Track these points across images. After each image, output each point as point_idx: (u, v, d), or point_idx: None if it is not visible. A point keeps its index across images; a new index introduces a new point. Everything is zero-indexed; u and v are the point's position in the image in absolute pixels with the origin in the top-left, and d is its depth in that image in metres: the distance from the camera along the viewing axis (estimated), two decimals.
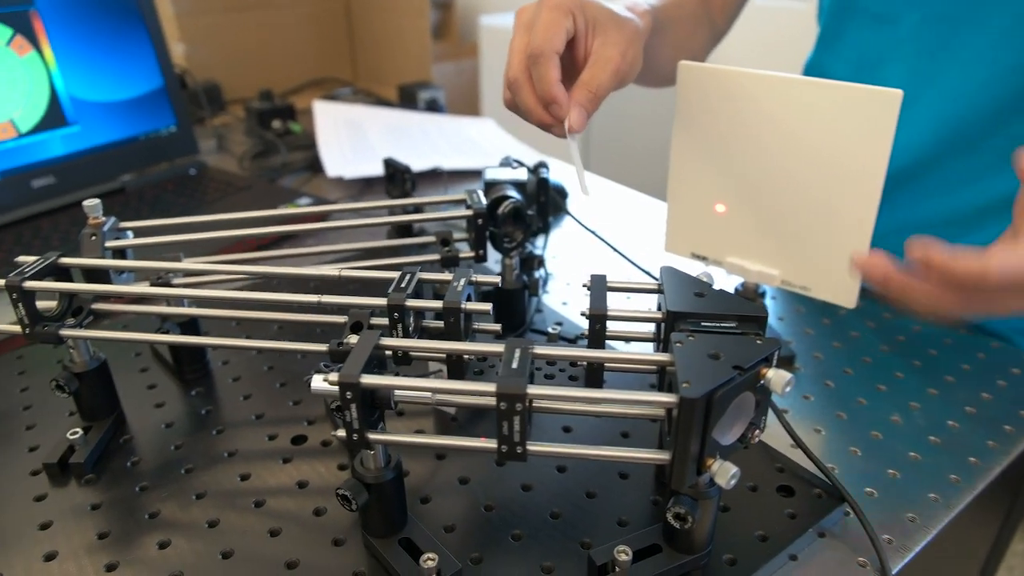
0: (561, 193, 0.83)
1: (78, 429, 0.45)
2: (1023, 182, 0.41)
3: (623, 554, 0.35)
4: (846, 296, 0.50)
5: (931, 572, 0.49)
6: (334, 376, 0.32)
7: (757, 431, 0.33)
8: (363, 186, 0.92)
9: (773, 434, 0.47)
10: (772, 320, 0.61)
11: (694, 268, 0.43)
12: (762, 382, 0.32)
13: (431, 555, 0.35)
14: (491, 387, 0.31)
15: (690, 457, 0.31)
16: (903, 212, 0.65)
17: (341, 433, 0.33)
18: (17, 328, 0.43)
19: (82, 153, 0.87)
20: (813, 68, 0.72)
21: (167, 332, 0.50)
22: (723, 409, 0.30)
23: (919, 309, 0.39)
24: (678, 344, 0.32)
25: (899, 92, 0.44)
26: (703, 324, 0.35)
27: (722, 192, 0.53)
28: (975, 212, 0.62)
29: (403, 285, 0.39)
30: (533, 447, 0.32)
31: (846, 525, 0.41)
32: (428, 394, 0.33)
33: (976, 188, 0.61)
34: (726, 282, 0.60)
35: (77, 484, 0.44)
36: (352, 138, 1.02)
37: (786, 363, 0.55)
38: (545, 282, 0.64)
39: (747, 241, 0.53)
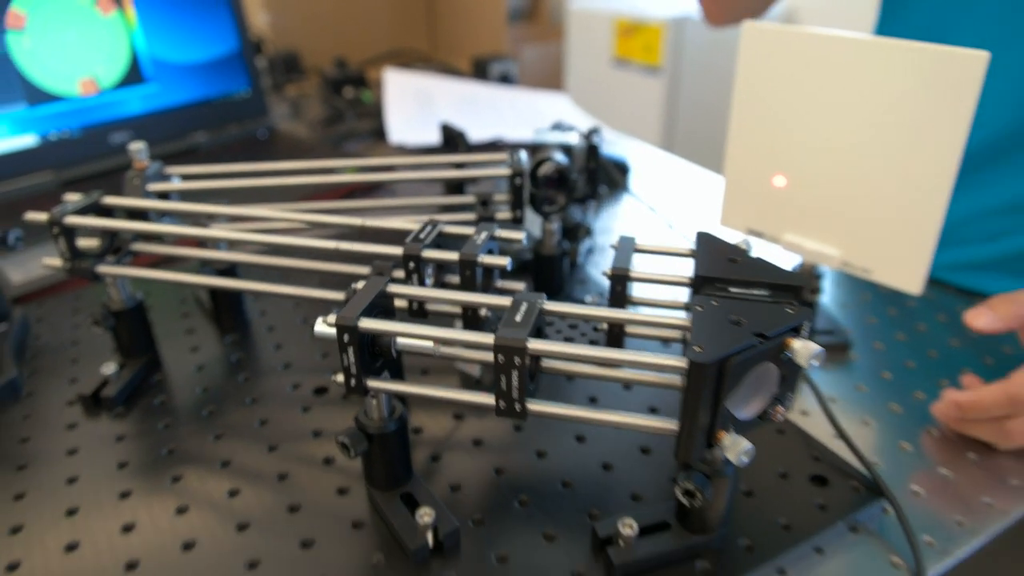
0: (622, 168, 0.80)
1: (113, 364, 0.47)
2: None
3: (628, 528, 0.33)
4: (912, 281, 0.46)
5: None
6: (332, 318, 0.31)
7: (781, 408, 0.31)
8: (423, 154, 0.91)
9: (815, 423, 0.44)
10: (833, 307, 0.57)
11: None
12: (787, 353, 0.29)
13: (427, 510, 0.34)
14: (490, 338, 0.29)
15: (699, 428, 0.28)
16: (985, 194, 0.59)
17: (339, 377, 0.32)
18: (59, 262, 0.44)
19: (158, 111, 0.90)
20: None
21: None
22: (739, 378, 0.28)
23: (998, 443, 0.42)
24: (698, 308, 0.30)
25: (985, 54, 0.39)
26: (732, 290, 0.33)
27: (782, 164, 0.50)
28: None
29: (421, 236, 0.38)
30: (533, 406, 0.30)
31: (884, 523, 0.38)
32: (429, 343, 0.31)
33: None
34: (784, 260, 0.56)
35: (107, 417, 0.45)
36: (420, 106, 1.01)
37: (840, 350, 0.51)
38: (591, 252, 0.61)
39: (807, 217, 0.50)
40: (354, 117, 1.02)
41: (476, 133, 0.91)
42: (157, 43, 0.88)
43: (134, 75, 0.87)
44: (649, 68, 2.29)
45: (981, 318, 0.43)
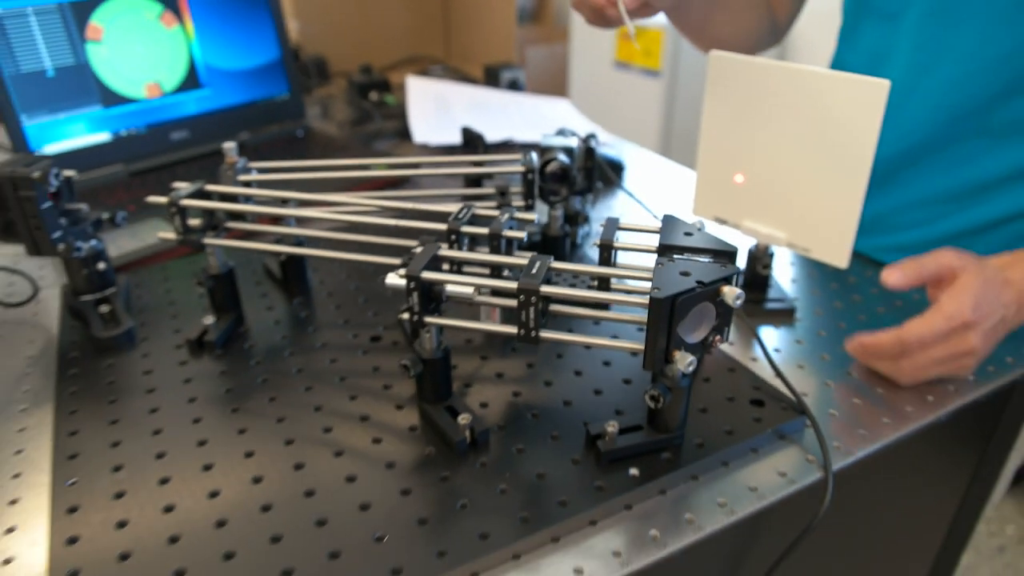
0: (617, 167, 0.93)
1: (211, 317, 0.59)
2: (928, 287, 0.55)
3: (612, 427, 0.45)
4: (839, 257, 0.58)
5: (889, 495, 0.57)
6: (402, 271, 0.44)
7: (718, 337, 0.43)
8: (444, 152, 1.04)
9: (760, 367, 0.57)
10: (785, 281, 0.70)
11: (713, 230, 0.53)
12: (720, 297, 0.41)
13: (466, 416, 0.46)
14: (514, 284, 0.42)
15: (659, 346, 0.41)
16: (910, 190, 0.72)
17: (405, 316, 0.45)
18: (174, 235, 0.57)
19: (210, 112, 1.03)
20: (836, 61, 0.80)
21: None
22: (685, 312, 0.40)
23: (896, 380, 0.55)
24: (659, 265, 0.43)
25: (886, 82, 0.52)
26: (687, 254, 0.45)
27: (741, 165, 0.62)
28: (972, 188, 0.69)
29: (460, 215, 0.51)
30: (544, 333, 0.43)
31: (806, 435, 0.50)
32: (470, 290, 0.44)
33: (972, 167, 0.68)
34: (742, 243, 0.69)
35: (209, 357, 0.57)
36: (438, 110, 1.14)
37: (787, 315, 0.64)
38: (588, 235, 0.74)
39: (759, 207, 0.62)
40: (381, 118, 1.15)
41: (488, 134, 1.03)
42: (211, 52, 1.01)
43: (191, 80, 1.00)
44: (649, 71, 2.41)
45: (892, 276, 0.54)
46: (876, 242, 0.75)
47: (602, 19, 0.61)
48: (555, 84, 3.06)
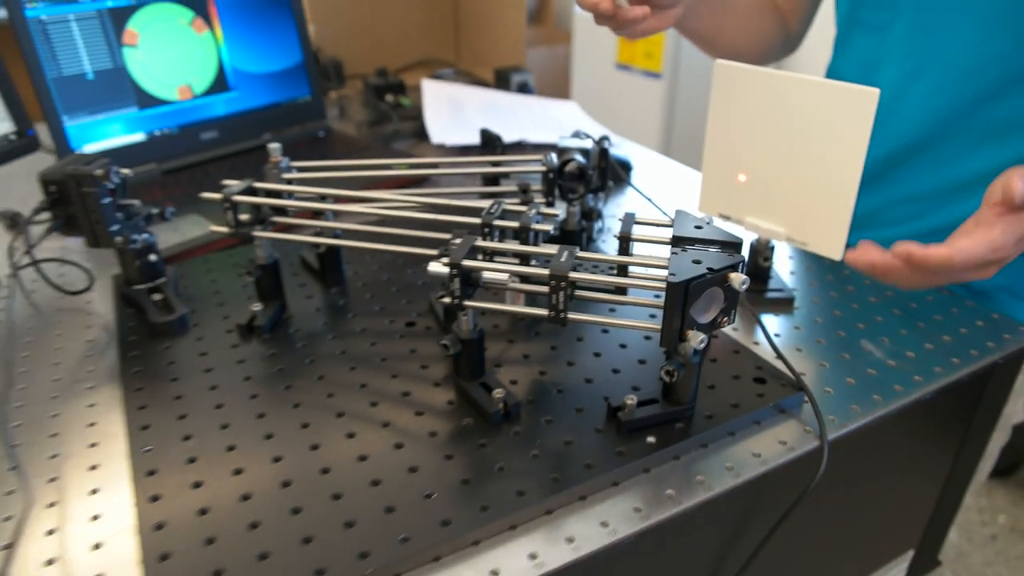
0: (626, 166, 0.98)
1: (258, 304, 0.64)
2: (986, 198, 0.55)
3: (630, 400, 0.51)
4: (834, 250, 0.64)
5: (880, 465, 0.63)
6: (445, 260, 0.49)
7: (726, 319, 0.48)
8: (460, 152, 1.09)
9: (762, 349, 0.62)
10: (784, 273, 0.75)
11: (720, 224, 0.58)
12: (728, 283, 0.47)
13: (499, 391, 0.52)
14: (546, 271, 0.47)
15: (674, 327, 0.46)
16: (900, 187, 0.78)
17: (447, 300, 0.50)
18: (226, 228, 0.62)
19: (238, 114, 1.08)
20: (831, 69, 0.86)
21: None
22: (698, 295, 0.46)
23: (899, 286, 0.56)
24: (674, 254, 0.48)
25: (876, 91, 0.57)
26: (697, 245, 0.51)
27: (743, 165, 0.67)
28: (957, 186, 0.75)
29: (492, 210, 0.56)
30: (571, 315, 0.48)
31: (803, 409, 0.56)
32: (505, 276, 0.49)
33: (959, 165, 0.74)
34: (745, 237, 0.74)
35: (258, 341, 0.63)
36: (453, 111, 1.19)
37: (786, 303, 0.69)
38: (601, 230, 0.79)
39: (760, 204, 0.67)
40: (398, 119, 1.20)
41: (502, 135, 1.09)
42: (239, 56, 1.06)
43: (220, 83, 1.05)
44: (650, 73, 2.47)
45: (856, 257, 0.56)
46: (869, 236, 0.80)
47: (611, 21, 0.67)
48: (557, 85, 3.11)
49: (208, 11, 1.02)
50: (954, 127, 0.73)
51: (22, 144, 0.84)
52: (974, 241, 0.52)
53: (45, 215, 0.67)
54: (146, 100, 0.98)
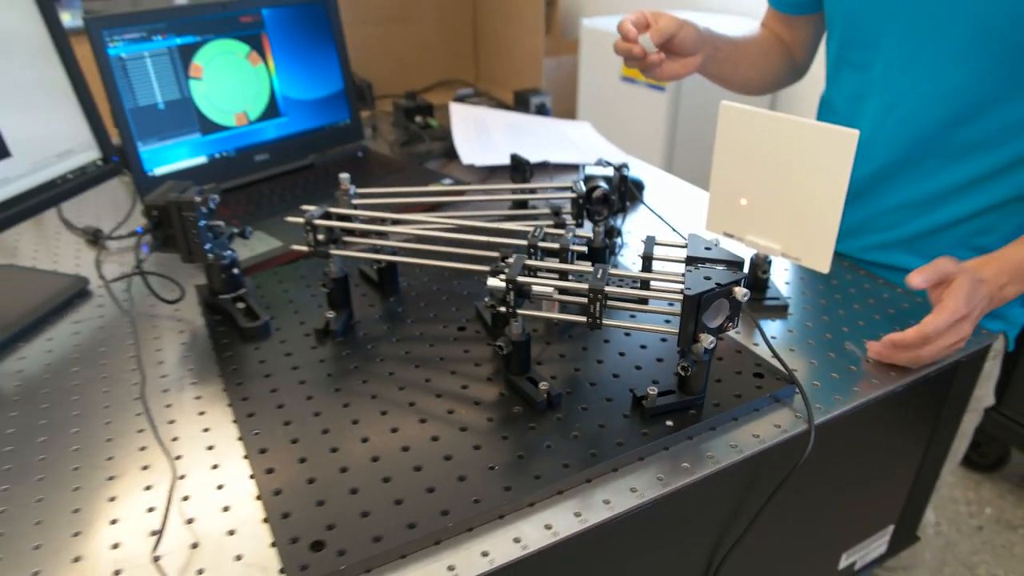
0: (639, 187, 1.09)
1: (331, 312, 0.76)
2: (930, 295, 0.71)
3: (652, 391, 0.62)
4: (822, 264, 0.75)
5: (861, 447, 0.74)
6: (502, 276, 0.60)
7: (731, 324, 0.60)
8: (488, 171, 1.21)
9: (760, 350, 0.73)
10: (781, 284, 0.86)
11: (724, 242, 0.69)
12: (732, 295, 0.58)
13: (544, 383, 0.63)
14: (585, 286, 0.58)
15: (688, 331, 0.57)
16: (885, 199, 0.92)
17: (502, 308, 0.61)
18: (305, 247, 0.73)
19: (286, 137, 1.19)
20: (824, 100, 1.00)
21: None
22: (708, 305, 0.57)
23: (901, 364, 0.71)
24: (688, 271, 0.59)
25: (856, 132, 0.68)
26: (707, 264, 0.62)
27: (744, 191, 0.79)
28: (934, 196, 0.89)
29: (536, 233, 0.67)
30: (606, 321, 0.60)
31: (795, 399, 0.67)
32: (550, 290, 0.60)
33: (933, 180, 0.88)
34: (745, 252, 0.85)
35: (333, 343, 0.74)
36: (479, 133, 1.31)
37: (781, 310, 0.80)
38: (621, 247, 0.91)
39: (759, 224, 0.79)
40: (428, 140, 1.31)
41: (524, 155, 1.20)
42: (288, 85, 1.17)
43: (272, 110, 1.16)
44: (654, 86, 2.58)
45: (916, 279, 0.69)
46: (859, 243, 0.95)
47: (640, 63, 0.82)
48: (564, 95, 3.22)
49: (262, 45, 1.13)
50: (927, 148, 0.86)
51: (107, 169, 0.96)
52: (936, 315, 0.69)
53: (121, 231, 0.78)
54: (208, 126, 1.10)
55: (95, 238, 1.00)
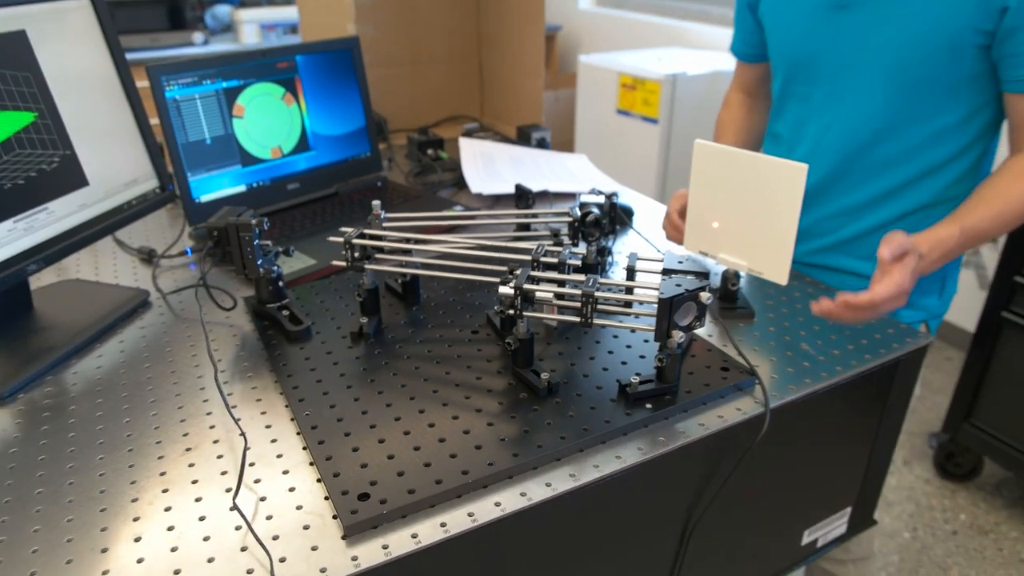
0: (628, 212, 1.23)
1: (364, 318, 0.89)
2: (879, 261, 0.84)
3: (635, 379, 0.75)
4: (780, 276, 0.88)
5: (813, 433, 0.87)
6: (511, 284, 0.73)
7: (698, 323, 0.73)
8: (494, 199, 1.35)
9: (728, 350, 0.87)
10: (748, 294, 1.00)
11: (701, 260, 0.83)
12: (699, 299, 0.71)
13: (546, 373, 0.76)
14: (579, 291, 0.72)
15: (663, 328, 0.71)
16: (826, 206, 1.11)
17: (510, 311, 0.75)
18: (343, 263, 0.87)
19: (315, 168, 1.33)
20: (770, 129, 1.19)
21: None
22: (679, 307, 0.70)
23: (844, 323, 0.87)
24: (664, 279, 0.73)
25: (805, 166, 0.82)
26: (679, 274, 0.75)
27: (717, 215, 0.92)
28: (863, 204, 1.08)
29: (538, 251, 0.81)
30: (596, 320, 0.73)
31: (755, 389, 0.80)
32: (550, 295, 0.74)
33: (861, 190, 1.07)
34: (718, 268, 0.99)
35: (366, 345, 0.87)
36: (486, 165, 1.45)
37: (747, 316, 0.94)
38: (611, 265, 1.04)
39: (729, 244, 0.92)
40: (440, 171, 1.46)
41: (527, 185, 1.34)
42: (317, 122, 1.32)
43: (303, 144, 1.31)
44: (647, 118, 2.74)
45: (884, 251, 0.83)
46: (808, 246, 1.13)
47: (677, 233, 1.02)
48: (561, 127, 3.38)
49: (295, 87, 1.28)
50: (855, 163, 1.06)
51: (164, 196, 1.09)
52: (884, 285, 0.83)
53: (172, 251, 0.92)
54: (248, 159, 1.24)
55: (149, 257, 1.14)
